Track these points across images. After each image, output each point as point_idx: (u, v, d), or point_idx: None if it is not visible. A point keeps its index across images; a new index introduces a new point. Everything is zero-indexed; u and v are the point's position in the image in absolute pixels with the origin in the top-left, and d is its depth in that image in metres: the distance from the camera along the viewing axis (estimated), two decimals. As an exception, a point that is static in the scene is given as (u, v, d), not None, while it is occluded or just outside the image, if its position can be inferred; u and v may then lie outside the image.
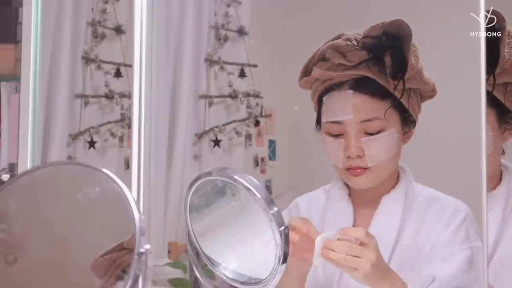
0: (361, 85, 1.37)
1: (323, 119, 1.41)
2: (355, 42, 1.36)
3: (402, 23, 1.34)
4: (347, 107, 1.36)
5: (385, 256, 1.31)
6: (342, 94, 1.38)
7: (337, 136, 1.39)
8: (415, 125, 1.42)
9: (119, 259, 0.98)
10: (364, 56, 1.36)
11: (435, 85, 1.41)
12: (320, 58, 1.42)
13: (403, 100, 1.37)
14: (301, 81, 1.45)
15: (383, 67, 1.36)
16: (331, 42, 1.40)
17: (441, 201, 1.40)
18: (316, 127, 1.46)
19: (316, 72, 1.40)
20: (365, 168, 1.37)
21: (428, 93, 1.42)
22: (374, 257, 1.22)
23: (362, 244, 1.22)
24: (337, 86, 1.39)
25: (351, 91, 1.36)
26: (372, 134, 1.37)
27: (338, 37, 1.40)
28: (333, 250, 1.21)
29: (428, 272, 1.33)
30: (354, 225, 1.41)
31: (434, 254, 1.35)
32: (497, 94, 1.39)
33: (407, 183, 1.42)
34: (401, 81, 1.35)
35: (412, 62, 1.34)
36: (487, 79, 1.30)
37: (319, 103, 1.42)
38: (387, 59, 1.35)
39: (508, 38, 1.36)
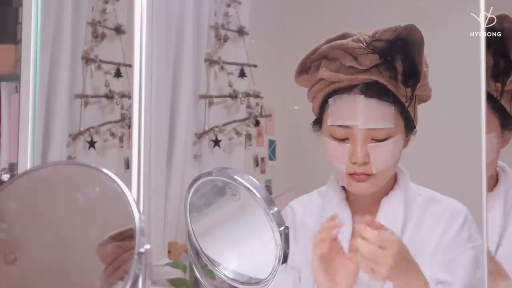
0: (372, 90, 1.34)
1: (329, 122, 1.38)
2: (365, 45, 1.33)
3: (414, 29, 1.31)
4: (357, 112, 1.34)
5: None
6: (352, 98, 1.35)
7: (342, 140, 1.36)
8: (414, 129, 1.40)
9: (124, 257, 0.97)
10: (376, 60, 1.32)
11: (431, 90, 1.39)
12: (322, 56, 1.38)
13: (409, 108, 1.35)
14: (300, 78, 1.41)
15: (394, 72, 1.32)
16: (339, 42, 1.36)
17: (439, 202, 1.39)
18: (313, 127, 1.44)
19: (325, 73, 1.36)
20: (369, 175, 1.36)
21: (425, 97, 1.40)
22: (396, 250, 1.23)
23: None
24: (346, 89, 1.35)
25: (362, 96, 1.33)
26: (378, 140, 1.35)
27: (343, 36, 1.37)
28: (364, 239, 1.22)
29: (430, 274, 1.32)
30: (352, 230, 1.39)
31: (438, 255, 1.34)
32: (503, 101, 1.38)
33: (405, 184, 1.41)
34: (411, 89, 1.32)
35: (425, 70, 1.32)
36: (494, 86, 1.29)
37: (323, 104, 1.40)
38: (398, 65, 1.32)
39: None
